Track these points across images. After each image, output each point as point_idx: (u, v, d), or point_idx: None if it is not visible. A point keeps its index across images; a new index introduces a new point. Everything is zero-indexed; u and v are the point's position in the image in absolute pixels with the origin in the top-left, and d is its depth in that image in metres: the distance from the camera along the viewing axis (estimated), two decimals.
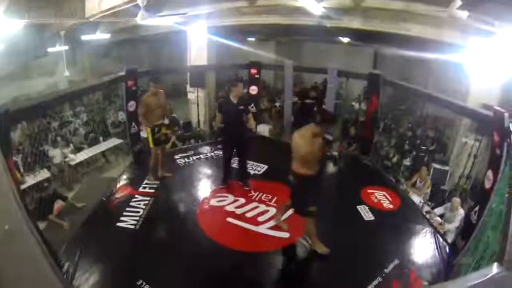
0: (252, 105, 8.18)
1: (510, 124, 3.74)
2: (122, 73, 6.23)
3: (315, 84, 15.38)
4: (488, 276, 1.15)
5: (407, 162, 8.29)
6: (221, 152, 6.09)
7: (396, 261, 4.17)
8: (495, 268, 1.19)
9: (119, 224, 4.73)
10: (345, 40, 11.95)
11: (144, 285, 3.70)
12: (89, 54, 12.69)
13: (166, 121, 5.89)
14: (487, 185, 4.01)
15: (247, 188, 5.74)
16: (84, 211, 5.49)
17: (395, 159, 8.31)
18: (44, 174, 7.34)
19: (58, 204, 5.99)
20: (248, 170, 6.01)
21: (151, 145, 5.73)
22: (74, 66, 11.70)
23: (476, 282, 1.12)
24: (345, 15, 7.19)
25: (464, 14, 4.39)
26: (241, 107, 5.27)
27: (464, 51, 6.04)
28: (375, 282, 3.86)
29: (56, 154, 7.98)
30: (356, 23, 7.32)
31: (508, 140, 3.58)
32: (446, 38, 6.36)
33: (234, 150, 5.67)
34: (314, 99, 10.25)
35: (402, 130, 10.20)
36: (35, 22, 6.57)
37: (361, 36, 9.88)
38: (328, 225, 4.81)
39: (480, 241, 3.80)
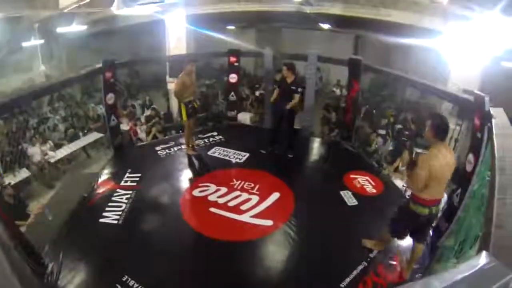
0: (232, 93, 8.12)
1: (490, 108, 3.79)
2: (100, 65, 6.07)
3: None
4: (478, 267, 1.12)
5: (389, 147, 8.35)
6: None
7: None
8: (483, 258, 1.16)
9: (102, 220, 4.66)
10: (326, 26, 11.88)
11: (130, 281, 3.66)
12: (66, 47, 12.32)
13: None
14: (469, 168, 4.12)
15: (290, 156, 6.51)
16: (67, 208, 5.35)
17: (376, 144, 8.35)
18: (23, 173, 7.16)
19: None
20: (294, 141, 6.67)
21: (185, 118, 6.15)
22: (51, 60, 11.36)
23: (466, 274, 1.09)
24: (325, 0, 7.15)
25: None
26: (293, 87, 6.06)
27: (444, 37, 6.08)
28: (360, 267, 3.92)
29: (35, 152, 7.76)
30: (336, 9, 7.28)
31: (489, 124, 3.63)
32: (427, 24, 6.39)
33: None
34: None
35: (384, 115, 10.26)
36: (6, 15, 6.35)
37: (342, 22, 9.85)
38: (312, 211, 4.86)
39: (462, 223, 3.88)
